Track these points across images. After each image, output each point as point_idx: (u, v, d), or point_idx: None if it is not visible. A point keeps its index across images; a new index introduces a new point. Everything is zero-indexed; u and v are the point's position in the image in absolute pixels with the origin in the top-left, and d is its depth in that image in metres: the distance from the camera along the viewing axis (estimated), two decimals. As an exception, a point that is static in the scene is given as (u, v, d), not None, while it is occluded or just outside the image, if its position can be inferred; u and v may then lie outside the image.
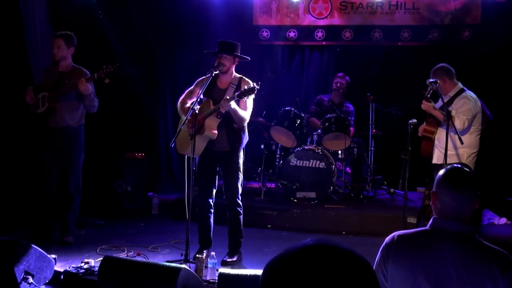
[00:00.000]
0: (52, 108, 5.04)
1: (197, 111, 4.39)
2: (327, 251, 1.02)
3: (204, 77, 4.65)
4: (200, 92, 4.49)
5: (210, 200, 4.76)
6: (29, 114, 5.14)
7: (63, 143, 5.09)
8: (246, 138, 4.77)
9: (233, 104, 4.42)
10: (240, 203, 4.76)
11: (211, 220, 4.79)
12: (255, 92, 4.35)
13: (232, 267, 4.46)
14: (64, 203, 5.18)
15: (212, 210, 4.79)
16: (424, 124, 5.13)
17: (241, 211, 4.77)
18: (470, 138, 4.95)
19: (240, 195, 4.77)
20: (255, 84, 4.38)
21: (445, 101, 4.89)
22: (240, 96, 4.37)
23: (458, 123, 4.80)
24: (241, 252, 4.80)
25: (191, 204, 4.42)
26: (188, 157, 4.48)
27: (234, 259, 4.68)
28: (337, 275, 0.98)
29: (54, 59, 5.14)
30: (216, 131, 4.54)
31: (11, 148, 6.21)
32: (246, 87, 4.37)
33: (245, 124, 4.66)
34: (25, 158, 5.95)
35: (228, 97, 4.41)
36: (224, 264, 4.56)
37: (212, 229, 4.81)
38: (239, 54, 4.68)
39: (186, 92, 4.81)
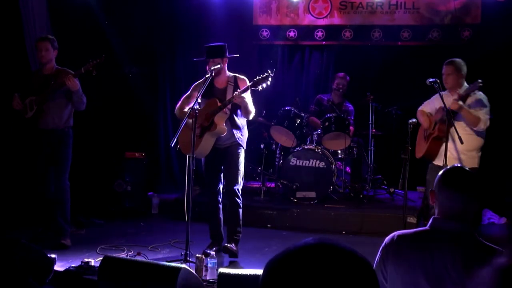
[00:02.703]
0: (40, 110, 5.05)
1: (197, 111, 4.44)
2: (327, 250, 1.01)
3: (200, 81, 4.77)
4: (199, 94, 4.56)
5: (219, 197, 4.89)
6: (23, 117, 5.15)
7: (51, 145, 5.09)
8: (247, 133, 4.90)
9: (246, 95, 4.55)
10: (240, 194, 4.81)
11: (221, 215, 4.89)
12: (270, 79, 4.44)
13: (232, 267, 4.46)
14: (53, 205, 5.16)
15: (221, 206, 4.88)
16: (437, 124, 4.90)
17: (241, 204, 4.82)
18: (481, 140, 4.84)
19: (241, 189, 4.83)
20: (269, 71, 4.46)
21: (456, 97, 4.76)
22: (255, 85, 4.47)
23: (483, 124, 4.68)
24: (237, 248, 4.82)
25: (191, 204, 4.43)
26: (189, 156, 4.51)
27: (234, 247, 4.72)
28: (337, 274, 0.97)
29: (41, 62, 5.15)
30: (225, 127, 4.66)
31: (12, 149, 6.21)
32: (261, 76, 4.46)
33: (251, 117, 4.75)
34: (23, 159, 5.95)
35: (239, 90, 4.53)
36: (225, 250, 4.67)
37: (222, 225, 4.90)
38: (227, 55, 4.77)
39: (183, 98, 4.90)
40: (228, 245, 4.70)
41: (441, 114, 4.86)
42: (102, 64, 4.93)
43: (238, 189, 4.79)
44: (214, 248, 4.74)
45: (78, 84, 4.97)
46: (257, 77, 4.47)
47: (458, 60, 4.86)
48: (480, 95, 4.83)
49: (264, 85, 4.47)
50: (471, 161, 4.76)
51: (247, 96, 4.64)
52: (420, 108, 5.20)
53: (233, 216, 4.80)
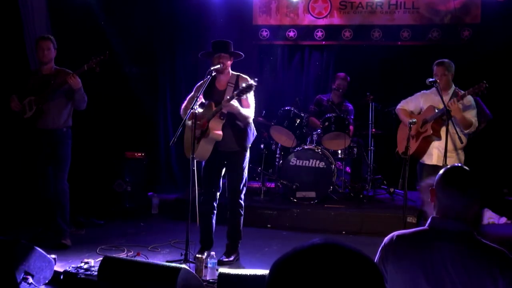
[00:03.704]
0: (40, 110, 5.03)
1: (196, 112, 4.41)
2: (334, 251, 1.01)
3: (202, 81, 4.67)
4: (199, 93, 4.52)
5: (214, 203, 4.78)
6: (22, 118, 5.15)
7: (50, 145, 5.08)
8: (253, 135, 4.77)
9: (235, 103, 4.43)
10: (242, 204, 4.76)
11: (213, 221, 4.80)
12: (253, 88, 4.37)
13: (232, 267, 4.46)
14: (52, 206, 5.16)
15: (215, 212, 4.80)
16: (431, 123, 4.98)
17: (242, 213, 4.77)
18: (465, 141, 4.91)
19: (243, 196, 4.77)
20: (252, 81, 4.40)
21: (448, 97, 4.84)
22: (239, 94, 4.38)
23: (473, 128, 4.83)
24: (238, 252, 4.80)
25: (191, 204, 4.42)
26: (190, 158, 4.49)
27: (231, 259, 4.68)
28: (344, 274, 0.98)
29: (42, 61, 5.10)
30: (220, 132, 4.54)
31: (11, 149, 6.22)
32: (244, 85, 4.38)
33: (251, 121, 4.67)
34: (23, 159, 5.96)
35: (228, 97, 4.43)
36: (221, 263, 4.54)
37: (213, 230, 4.82)
38: (234, 51, 4.71)
39: (187, 98, 4.84)
40: (225, 259, 4.65)
41: (432, 113, 4.92)
42: (102, 64, 4.92)
43: (241, 200, 4.73)
44: (205, 254, 4.69)
45: (80, 83, 4.96)
46: (242, 86, 4.38)
47: (447, 60, 5.02)
48: (470, 98, 4.94)
49: (251, 94, 4.46)
50: (456, 160, 4.85)
51: (250, 98, 4.55)
52: (400, 107, 5.33)
53: (235, 228, 4.75)
